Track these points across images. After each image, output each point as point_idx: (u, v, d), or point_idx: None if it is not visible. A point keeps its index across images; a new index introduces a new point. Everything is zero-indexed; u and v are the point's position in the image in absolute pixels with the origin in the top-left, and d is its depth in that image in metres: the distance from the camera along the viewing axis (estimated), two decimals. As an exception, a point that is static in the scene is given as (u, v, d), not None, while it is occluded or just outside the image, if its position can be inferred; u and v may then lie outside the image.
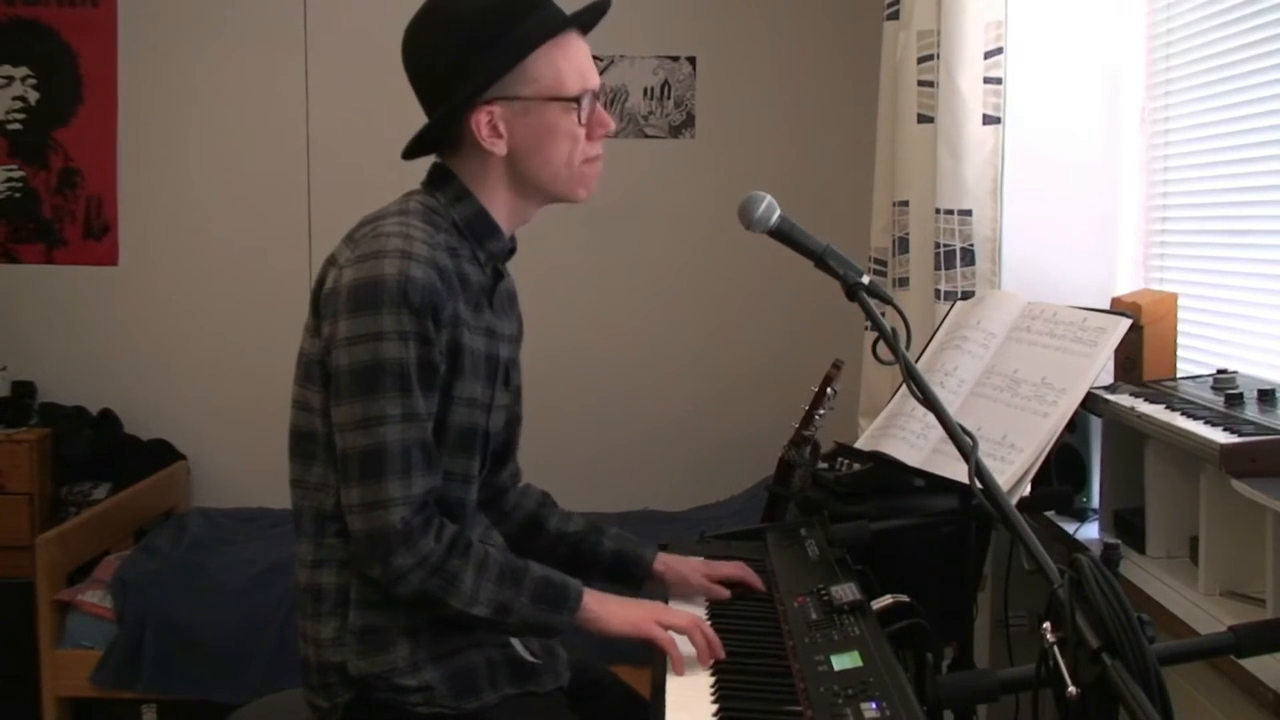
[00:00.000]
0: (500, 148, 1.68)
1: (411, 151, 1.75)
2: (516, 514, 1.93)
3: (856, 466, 2.20)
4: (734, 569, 1.86)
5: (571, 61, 1.69)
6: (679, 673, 1.55)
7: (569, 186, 1.73)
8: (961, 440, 1.37)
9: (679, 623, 1.62)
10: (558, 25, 1.68)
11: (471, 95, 1.65)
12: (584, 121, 1.70)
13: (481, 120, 1.66)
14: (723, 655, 1.58)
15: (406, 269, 1.57)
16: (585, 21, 1.72)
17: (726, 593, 1.82)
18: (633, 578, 1.91)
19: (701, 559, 1.92)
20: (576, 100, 1.68)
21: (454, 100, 1.65)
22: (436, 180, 1.73)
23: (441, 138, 1.72)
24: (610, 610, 1.66)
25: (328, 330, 1.61)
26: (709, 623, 1.70)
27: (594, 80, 1.71)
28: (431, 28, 1.68)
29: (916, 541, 2.01)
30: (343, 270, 1.61)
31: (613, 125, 1.74)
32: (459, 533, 1.62)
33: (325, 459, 1.65)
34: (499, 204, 1.72)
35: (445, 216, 1.69)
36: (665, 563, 1.90)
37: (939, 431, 1.69)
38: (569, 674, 1.80)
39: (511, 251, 1.79)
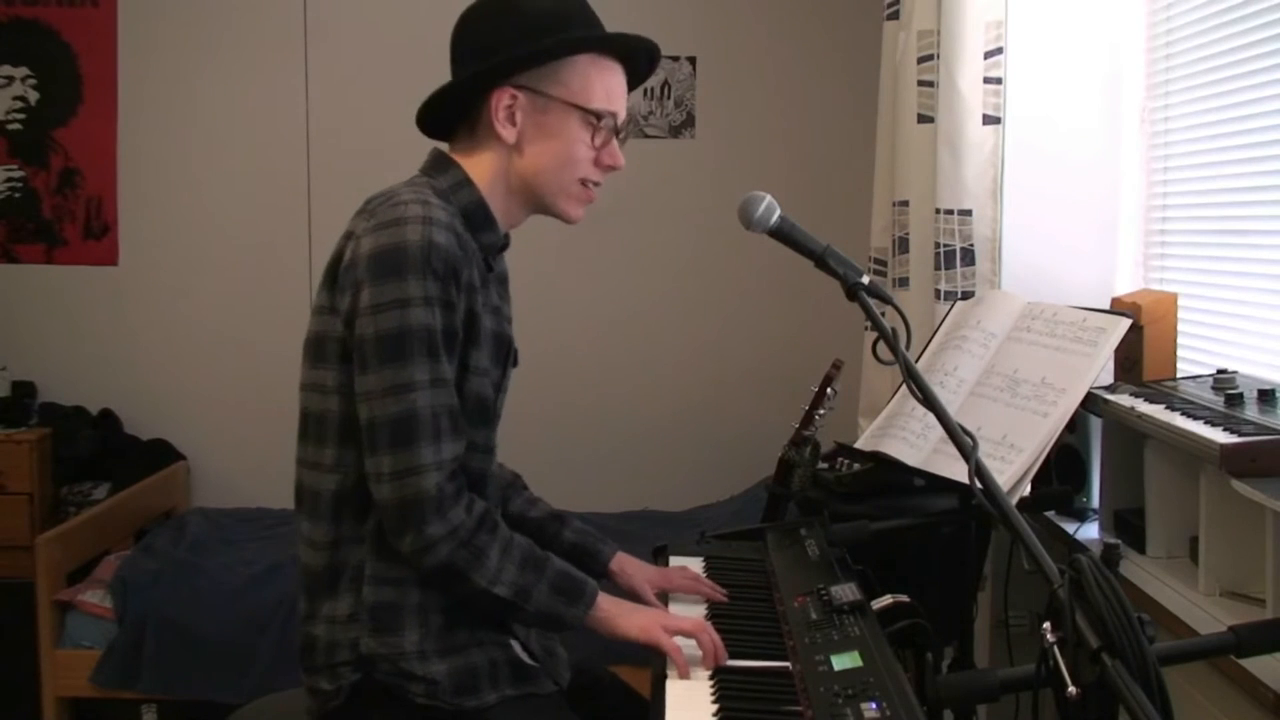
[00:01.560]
0: (509, 135, 1.69)
1: (425, 115, 1.75)
2: None
3: (856, 466, 2.20)
4: (686, 583, 1.85)
5: (604, 81, 1.71)
6: (685, 678, 1.54)
7: (559, 199, 1.74)
8: (961, 440, 1.37)
9: (685, 627, 1.62)
10: (604, 44, 1.71)
11: (501, 70, 1.67)
12: (596, 144, 1.72)
13: (502, 100, 1.68)
14: (725, 660, 1.57)
15: (430, 234, 1.57)
16: (636, 62, 1.77)
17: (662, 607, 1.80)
18: (588, 573, 1.90)
19: (656, 569, 1.92)
20: (597, 116, 1.70)
21: (483, 68, 1.67)
22: (437, 165, 1.74)
23: (458, 112, 1.73)
24: (621, 613, 1.66)
25: (349, 302, 1.60)
26: (710, 623, 1.70)
27: (620, 109, 1.73)
28: (492, 10, 1.72)
29: (916, 541, 2.02)
30: (361, 240, 1.61)
31: (621, 162, 1.75)
32: (488, 509, 1.63)
33: (340, 438, 1.65)
34: (494, 201, 1.73)
35: (448, 198, 1.69)
36: (620, 563, 1.90)
37: (939, 431, 1.69)
38: (569, 674, 1.80)
39: (504, 246, 1.79)
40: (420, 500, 1.56)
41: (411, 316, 1.56)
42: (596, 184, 1.75)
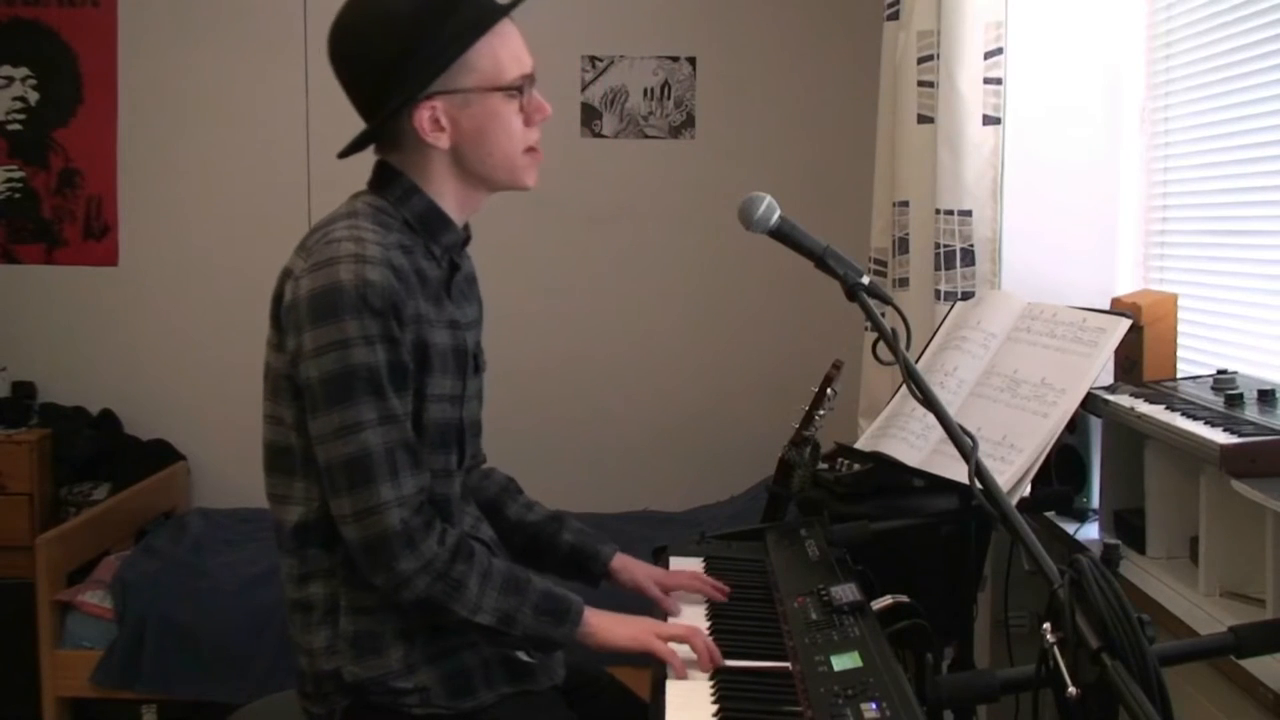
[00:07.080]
0: (443, 141, 1.66)
1: (351, 150, 1.73)
2: (476, 497, 1.90)
3: (856, 466, 2.20)
4: (689, 580, 1.84)
5: (508, 48, 1.67)
6: (682, 678, 1.54)
7: (513, 174, 1.71)
8: (961, 440, 1.37)
9: (677, 632, 1.61)
10: (493, 15, 1.66)
11: (414, 92, 1.62)
12: (523, 109, 1.68)
13: (424, 116, 1.64)
14: (721, 663, 1.57)
15: (363, 273, 1.55)
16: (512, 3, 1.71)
17: (678, 608, 1.80)
18: (589, 573, 1.90)
19: (659, 569, 1.91)
20: (518, 89, 1.67)
21: (396, 99, 1.63)
22: (383, 179, 1.71)
23: (382, 136, 1.70)
24: (609, 625, 1.65)
25: (293, 344, 1.59)
26: (710, 624, 1.71)
27: (529, 64, 1.69)
28: (362, 28, 1.65)
29: (916, 541, 2.01)
30: (299, 281, 1.59)
31: (549, 110, 1.72)
32: (462, 538, 1.62)
33: (304, 472, 1.64)
34: (448, 196, 1.70)
35: (395, 215, 1.67)
36: (622, 562, 1.89)
37: (939, 431, 1.69)
38: (564, 672, 1.80)
39: (466, 240, 1.77)
40: (386, 538, 1.55)
41: (352, 356, 1.54)
42: (537, 143, 1.71)
